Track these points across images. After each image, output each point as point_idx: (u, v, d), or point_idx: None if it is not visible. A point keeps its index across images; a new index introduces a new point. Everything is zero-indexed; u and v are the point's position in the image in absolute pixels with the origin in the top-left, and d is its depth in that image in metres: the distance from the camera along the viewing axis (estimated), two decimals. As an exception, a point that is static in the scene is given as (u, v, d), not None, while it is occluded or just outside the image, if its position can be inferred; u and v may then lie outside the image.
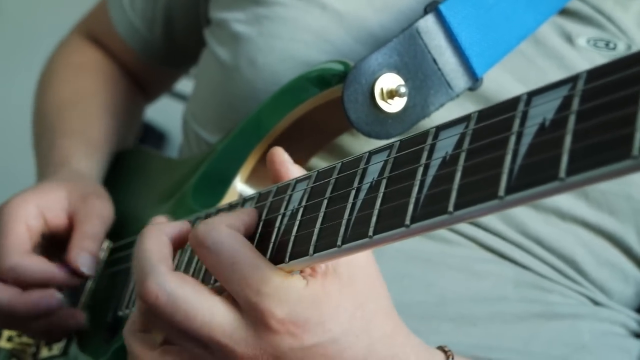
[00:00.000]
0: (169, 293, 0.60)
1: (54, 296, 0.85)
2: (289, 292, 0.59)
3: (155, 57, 1.16)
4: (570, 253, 0.82)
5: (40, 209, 0.89)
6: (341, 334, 0.60)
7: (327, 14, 0.85)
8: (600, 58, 0.81)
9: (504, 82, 0.81)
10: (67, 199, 0.91)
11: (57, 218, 0.90)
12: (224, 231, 0.61)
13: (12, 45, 2.60)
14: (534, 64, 0.83)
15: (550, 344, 0.80)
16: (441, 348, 0.67)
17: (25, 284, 0.85)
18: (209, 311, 0.59)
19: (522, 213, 0.81)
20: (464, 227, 0.81)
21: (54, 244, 0.91)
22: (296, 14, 0.85)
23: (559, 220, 0.81)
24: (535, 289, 0.82)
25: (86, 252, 0.86)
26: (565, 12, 0.84)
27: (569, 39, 0.83)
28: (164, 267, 0.62)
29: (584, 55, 0.82)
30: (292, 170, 0.65)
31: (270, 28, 0.86)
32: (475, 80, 0.78)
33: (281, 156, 0.66)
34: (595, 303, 0.84)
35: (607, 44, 0.83)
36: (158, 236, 0.65)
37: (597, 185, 0.79)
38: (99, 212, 0.90)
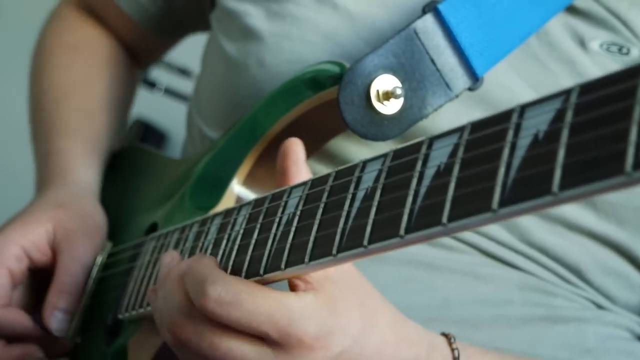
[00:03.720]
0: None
1: (35, 355, 0.86)
2: (309, 309, 0.59)
3: (154, 26, 1.13)
4: (575, 262, 0.81)
5: (24, 249, 0.88)
6: (358, 336, 0.62)
7: (339, 14, 0.83)
8: (612, 63, 0.80)
9: (513, 85, 0.80)
10: (52, 232, 0.90)
11: (42, 255, 0.90)
12: (236, 282, 0.60)
13: (12, 45, 2.60)
14: (546, 67, 0.81)
15: (555, 348, 0.80)
16: (442, 334, 0.69)
17: (2, 335, 0.86)
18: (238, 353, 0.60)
19: (528, 222, 0.80)
20: (466, 234, 0.81)
21: (43, 275, 0.91)
22: (307, 14, 0.84)
23: (566, 230, 0.80)
24: (539, 292, 0.81)
25: (60, 311, 0.86)
26: (579, 13, 0.83)
27: (582, 42, 0.82)
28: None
29: (596, 60, 0.81)
30: (302, 171, 0.66)
31: (280, 27, 0.85)
32: (475, 80, 0.77)
33: (297, 154, 0.66)
34: (599, 307, 0.84)
35: (620, 49, 0.81)
36: (185, 313, 0.63)
37: (606, 196, 0.78)
38: (81, 257, 0.89)
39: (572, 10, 0.82)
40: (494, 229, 0.80)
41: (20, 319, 0.87)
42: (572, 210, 0.79)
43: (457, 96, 0.76)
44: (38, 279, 0.92)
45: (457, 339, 0.70)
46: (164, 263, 0.68)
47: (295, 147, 0.67)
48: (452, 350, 0.68)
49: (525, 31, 0.80)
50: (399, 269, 0.80)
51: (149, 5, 1.10)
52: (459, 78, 0.76)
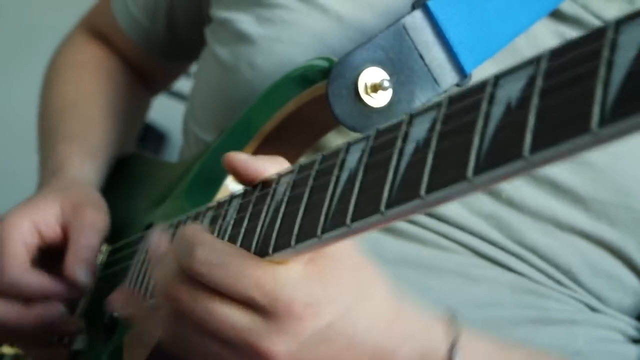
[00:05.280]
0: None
1: (56, 308, 0.86)
2: (297, 277, 0.60)
3: (158, 51, 1.16)
4: (566, 263, 0.81)
5: (34, 224, 0.90)
6: (350, 308, 0.61)
7: (328, 18, 0.85)
8: None
9: None
10: (60, 211, 0.91)
11: (52, 231, 0.91)
12: (221, 243, 0.62)
13: (12, 45, 2.63)
14: None
15: (545, 349, 0.80)
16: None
17: (26, 298, 0.87)
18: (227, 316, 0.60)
19: (519, 222, 0.80)
20: (458, 234, 0.81)
21: (50, 256, 0.92)
22: (297, 18, 0.86)
23: (557, 230, 0.80)
24: (531, 294, 0.81)
25: (82, 263, 0.87)
26: (567, 19, 0.83)
27: None
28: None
29: None
30: (259, 160, 0.66)
31: (271, 31, 0.86)
32: (463, 76, 0.78)
33: (239, 155, 0.66)
34: (592, 309, 0.84)
35: None
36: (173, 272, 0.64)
37: (597, 195, 0.79)
38: (92, 222, 0.90)
39: (560, 17, 0.83)
40: (485, 228, 0.80)
41: (40, 279, 0.87)
42: (564, 210, 0.79)
43: (445, 92, 0.77)
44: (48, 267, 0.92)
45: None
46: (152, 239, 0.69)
47: (235, 155, 0.67)
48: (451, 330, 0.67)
49: (514, 31, 0.81)
50: (391, 270, 0.80)
51: (151, 28, 1.13)
52: (447, 74, 0.77)
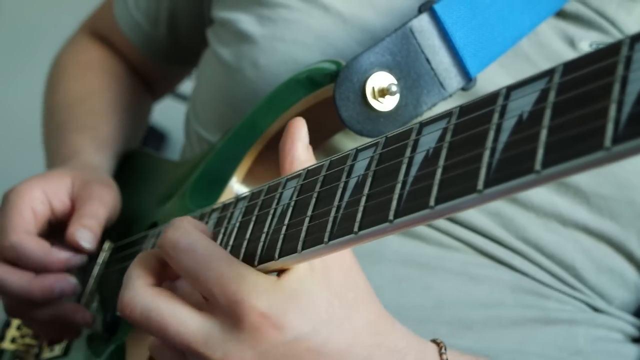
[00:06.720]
0: (142, 305, 0.60)
1: (68, 280, 0.85)
2: (266, 284, 0.58)
3: (160, 55, 1.17)
4: (569, 260, 0.82)
5: (45, 194, 0.89)
6: (321, 325, 0.59)
7: (330, 16, 0.85)
8: None
9: (504, 84, 0.81)
10: (71, 185, 0.92)
11: (62, 204, 0.91)
12: (197, 233, 0.61)
13: (12, 45, 2.62)
14: (537, 67, 0.82)
15: (545, 348, 0.80)
16: (433, 341, 0.67)
17: (24, 264, 0.85)
18: (181, 320, 0.59)
19: (523, 218, 0.80)
20: (461, 232, 0.81)
21: (60, 232, 0.91)
22: (299, 17, 0.86)
23: (560, 225, 0.81)
24: (532, 294, 0.82)
25: (85, 227, 0.86)
26: (568, 16, 0.84)
27: (572, 42, 0.83)
28: (139, 282, 0.62)
29: None
30: (299, 148, 0.65)
31: (273, 30, 0.86)
32: (468, 80, 0.78)
33: (297, 131, 0.65)
34: (594, 309, 0.84)
35: None
36: (145, 257, 0.65)
37: (599, 190, 0.79)
38: (99, 195, 0.90)
39: (561, 14, 0.84)
40: (490, 225, 0.80)
41: (40, 244, 0.86)
42: (566, 206, 0.80)
43: (450, 95, 0.77)
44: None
45: (449, 339, 0.70)
46: None
47: (296, 123, 0.65)
48: None
49: (518, 33, 0.81)
50: (393, 268, 0.80)
51: (153, 33, 1.14)
52: (452, 78, 0.77)
